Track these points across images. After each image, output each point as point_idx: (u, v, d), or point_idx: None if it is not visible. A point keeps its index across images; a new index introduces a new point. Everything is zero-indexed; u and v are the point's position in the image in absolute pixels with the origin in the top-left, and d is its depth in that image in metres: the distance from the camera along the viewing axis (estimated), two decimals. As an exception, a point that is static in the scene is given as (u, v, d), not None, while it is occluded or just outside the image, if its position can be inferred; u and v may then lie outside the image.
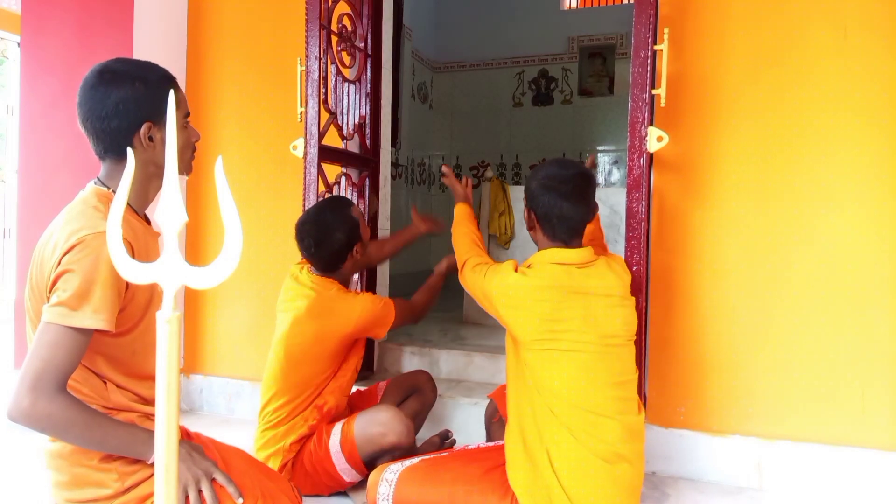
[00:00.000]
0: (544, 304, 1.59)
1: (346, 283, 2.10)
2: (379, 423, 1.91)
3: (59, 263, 1.19)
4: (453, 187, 2.09)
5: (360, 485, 1.99)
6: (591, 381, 1.58)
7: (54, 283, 1.20)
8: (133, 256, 1.23)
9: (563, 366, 1.58)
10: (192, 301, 2.98)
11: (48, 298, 1.20)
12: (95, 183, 1.33)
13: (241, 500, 1.28)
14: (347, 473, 1.95)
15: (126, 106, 1.26)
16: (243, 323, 2.95)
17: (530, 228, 1.77)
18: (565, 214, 1.66)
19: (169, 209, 0.84)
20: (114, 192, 1.29)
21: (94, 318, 1.17)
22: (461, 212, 2.02)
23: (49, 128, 2.90)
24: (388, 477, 1.73)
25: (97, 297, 1.17)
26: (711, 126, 2.27)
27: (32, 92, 2.94)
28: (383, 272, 3.05)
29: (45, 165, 2.91)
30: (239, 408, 2.92)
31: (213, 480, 1.27)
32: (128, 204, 1.31)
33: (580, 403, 1.57)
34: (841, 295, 2.15)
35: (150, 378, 1.33)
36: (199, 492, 1.24)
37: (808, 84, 2.19)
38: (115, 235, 0.86)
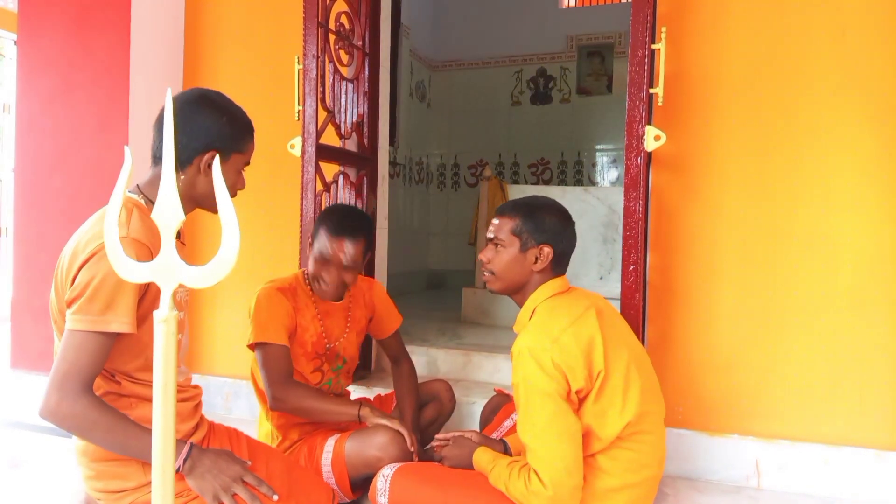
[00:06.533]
0: (571, 343, 1.47)
1: (319, 288, 2.00)
2: (375, 447, 1.81)
3: (80, 269, 1.24)
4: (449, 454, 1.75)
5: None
6: (639, 403, 1.51)
7: (76, 289, 1.24)
8: None
9: (618, 401, 1.48)
10: (189, 300, 2.97)
11: (69, 304, 1.25)
12: (129, 191, 1.39)
13: (276, 497, 1.35)
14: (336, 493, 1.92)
15: (206, 131, 1.35)
16: (241, 322, 2.94)
17: (538, 269, 1.63)
18: (574, 245, 1.70)
19: (166, 208, 0.83)
20: (143, 198, 1.36)
21: (116, 321, 1.23)
22: (480, 459, 1.65)
23: (45, 126, 2.89)
24: (385, 473, 1.72)
25: (117, 302, 1.23)
26: (709, 125, 2.27)
27: (29, 90, 2.93)
28: (381, 271, 3.05)
29: (41, 164, 2.90)
30: (237, 407, 2.91)
31: (244, 483, 1.33)
32: None
33: (629, 431, 1.49)
34: (839, 294, 2.15)
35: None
36: (234, 495, 1.30)
37: (806, 83, 2.18)
38: (111, 231, 0.86)
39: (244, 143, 1.43)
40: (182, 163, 1.35)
